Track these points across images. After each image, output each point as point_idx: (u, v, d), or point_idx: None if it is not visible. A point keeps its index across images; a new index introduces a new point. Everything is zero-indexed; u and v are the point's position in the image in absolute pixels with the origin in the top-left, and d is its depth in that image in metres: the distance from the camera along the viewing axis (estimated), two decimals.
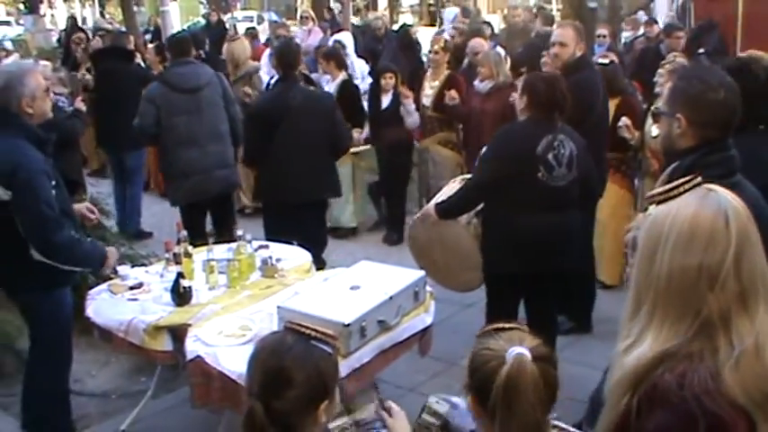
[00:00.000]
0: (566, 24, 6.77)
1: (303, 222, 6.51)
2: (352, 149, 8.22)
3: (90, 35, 14.14)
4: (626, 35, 13.02)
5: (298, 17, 20.60)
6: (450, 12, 14.36)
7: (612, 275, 7.10)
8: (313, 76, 9.47)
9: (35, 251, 4.58)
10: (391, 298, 4.45)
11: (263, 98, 6.86)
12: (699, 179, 1.99)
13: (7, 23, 40.43)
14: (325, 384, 2.32)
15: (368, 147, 9.17)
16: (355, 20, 17.89)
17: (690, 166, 3.07)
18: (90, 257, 4.91)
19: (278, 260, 5.35)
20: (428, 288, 4.90)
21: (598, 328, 6.40)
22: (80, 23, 27.97)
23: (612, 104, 6.75)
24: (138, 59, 11.00)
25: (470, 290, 5.87)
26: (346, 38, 10.87)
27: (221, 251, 5.43)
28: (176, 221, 5.84)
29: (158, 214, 9.82)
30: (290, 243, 5.76)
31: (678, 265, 1.90)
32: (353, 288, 4.55)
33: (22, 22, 37.15)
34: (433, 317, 4.84)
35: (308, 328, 2.37)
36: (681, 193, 1.98)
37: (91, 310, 4.94)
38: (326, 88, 8.73)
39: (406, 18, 33.23)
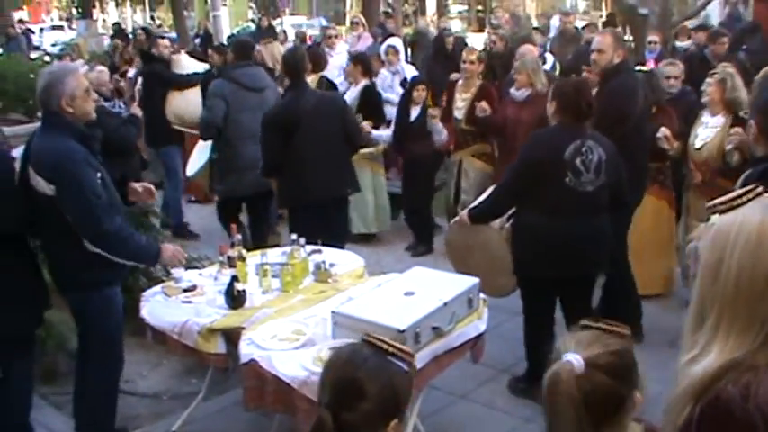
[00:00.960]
0: (605, 31, 7.02)
1: (329, 220, 6.68)
2: (365, 150, 8.36)
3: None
4: (682, 44, 12.80)
5: (347, 22, 20.68)
6: (557, 18, 13.88)
7: (653, 285, 7.02)
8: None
9: (87, 242, 4.60)
10: (446, 304, 4.44)
11: (277, 106, 6.99)
12: (759, 188, 1.96)
13: (60, 28, 41.06)
14: (398, 401, 2.26)
15: (380, 147, 9.19)
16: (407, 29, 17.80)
17: (762, 173, 3.04)
18: (144, 251, 4.90)
19: (331, 265, 5.35)
20: (481, 295, 4.87)
21: (647, 337, 6.32)
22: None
23: None
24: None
25: (504, 295, 5.90)
26: (398, 44, 10.86)
27: (275, 255, 5.47)
28: (231, 224, 5.87)
29: (206, 217, 9.90)
30: (316, 243, 5.74)
31: (746, 275, 1.86)
32: (408, 294, 4.55)
33: (74, 26, 37.80)
34: (486, 324, 4.82)
35: (385, 342, 2.31)
36: (744, 203, 1.95)
37: (145, 312, 4.99)
38: (348, 93, 8.95)
39: (454, 24, 33.13)
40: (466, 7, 46.65)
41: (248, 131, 7.39)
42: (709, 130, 6.42)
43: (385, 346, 2.28)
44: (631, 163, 5.81)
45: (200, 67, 10.37)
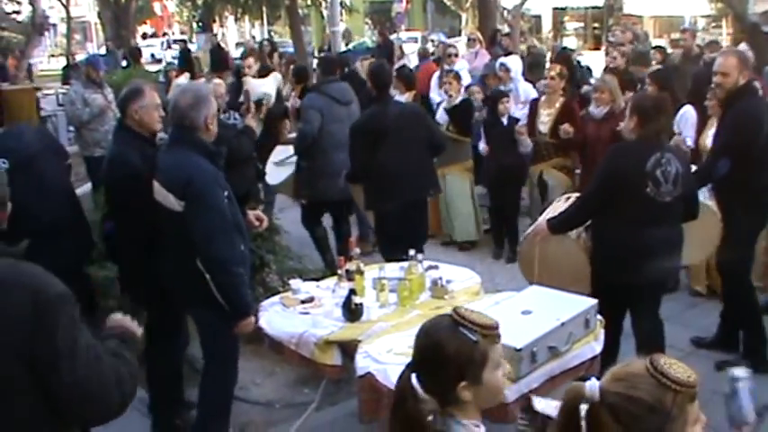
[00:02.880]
0: (728, 53, 6.46)
1: (411, 220, 7.00)
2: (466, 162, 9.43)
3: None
4: None
5: (463, 38, 20.69)
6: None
7: None
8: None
9: (199, 261, 4.63)
10: (563, 324, 4.41)
11: (364, 116, 7.43)
12: None
13: (182, 41, 42.14)
14: (459, 366, 2.45)
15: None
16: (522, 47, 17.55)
17: None
18: (240, 299, 4.76)
19: (448, 281, 5.38)
20: (598, 317, 4.82)
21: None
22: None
23: None
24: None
25: None
26: (513, 61, 10.79)
27: (392, 270, 5.51)
28: (350, 238, 5.94)
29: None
30: (397, 247, 5.75)
31: None
32: (525, 313, 4.53)
33: (194, 40, 38.82)
34: (602, 345, 4.75)
35: (459, 315, 2.51)
36: None
37: (263, 321, 5.09)
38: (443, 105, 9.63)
39: (570, 41, 32.85)
40: (582, 24, 46.14)
41: (338, 141, 7.96)
42: None
43: (457, 318, 2.50)
44: (754, 188, 5.72)
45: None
